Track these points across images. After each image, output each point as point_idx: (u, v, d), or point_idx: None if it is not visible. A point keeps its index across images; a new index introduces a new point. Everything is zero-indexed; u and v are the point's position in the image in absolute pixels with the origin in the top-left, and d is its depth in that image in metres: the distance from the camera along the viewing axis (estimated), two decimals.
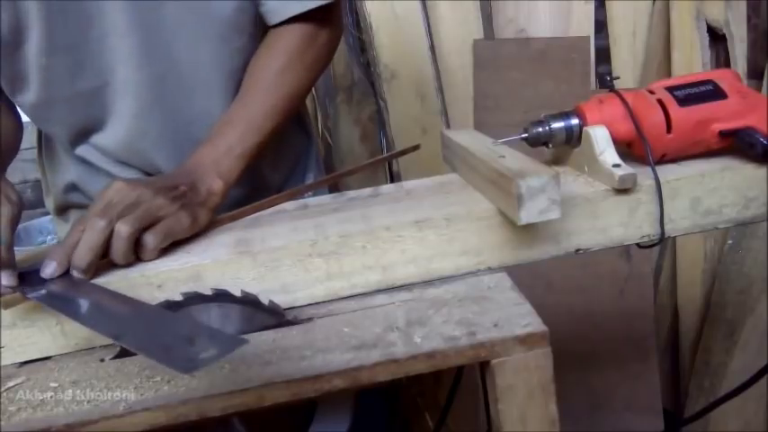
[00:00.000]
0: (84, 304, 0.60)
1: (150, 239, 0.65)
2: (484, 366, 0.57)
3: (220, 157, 0.77)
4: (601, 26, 1.69)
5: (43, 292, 0.61)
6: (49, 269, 0.62)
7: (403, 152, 0.95)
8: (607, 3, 1.69)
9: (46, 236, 2.02)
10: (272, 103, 0.82)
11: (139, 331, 0.56)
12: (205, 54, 0.86)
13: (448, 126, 1.71)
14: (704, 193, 0.70)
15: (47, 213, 2.03)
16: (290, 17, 0.84)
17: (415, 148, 0.93)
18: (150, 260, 0.66)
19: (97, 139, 0.89)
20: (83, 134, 0.89)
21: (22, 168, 2.18)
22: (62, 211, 1.01)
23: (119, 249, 0.64)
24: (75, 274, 0.62)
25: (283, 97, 0.84)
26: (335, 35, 0.91)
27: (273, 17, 0.85)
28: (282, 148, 1.00)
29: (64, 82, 0.83)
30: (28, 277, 0.63)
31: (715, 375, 1.55)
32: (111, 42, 0.82)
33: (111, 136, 0.88)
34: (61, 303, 0.60)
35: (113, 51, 0.82)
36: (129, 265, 0.65)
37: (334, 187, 1.52)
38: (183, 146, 0.87)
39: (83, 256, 0.62)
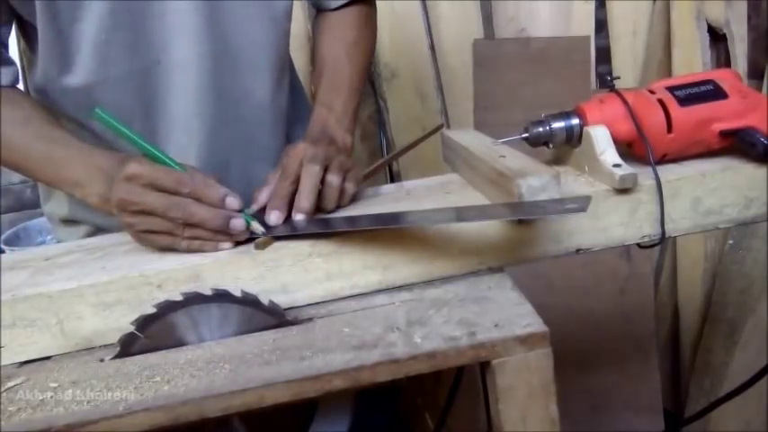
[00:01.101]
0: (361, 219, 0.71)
1: (350, 186, 0.75)
2: (484, 366, 0.57)
3: (340, 116, 0.87)
4: (601, 26, 1.69)
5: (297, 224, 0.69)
6: (274, 216, 0.69)
7: (430, 134, 0.98)
8: (607, 2, 1.69)
9: (45, 236, 2.02)
10: (358, 68, 0.94)
11: (465, 210, 0.68)
12: (257, 34, 0.88)
13: (448, 126, 1.71)
14: (705, 193, 0.70)
15: None
16: (349, 1, 0.96)
17: (440, 127, 0.99)
18: (346, 206, 0.75)
19: (150, 120, 0.87)
20: (129, 122, 0.86)
21: None
22: (69, 222, 0.98)
23: (332, 197, 0.73)
24: (299, 217, 0.70)
25: (364, 62, 0.95)
26: (376, 13, 1.04)
27: (334, 2, 0.96)
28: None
29: (119, 60, 0.82)
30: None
31: (715, 375, 1.55)
32: (170, 19, 0.82)
33: (165, 117, 0.87)
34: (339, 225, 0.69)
35: (171, 28, 0.82)
36: (331, 211, 0.74)
37: None
38: (227, 125, 0.89)
39: (307, 199, 0.70)
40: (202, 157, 0.89)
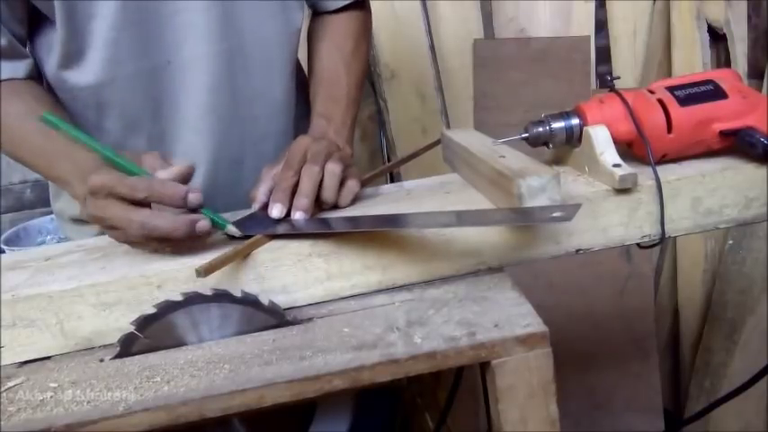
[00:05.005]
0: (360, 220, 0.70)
1: (353, 184, 0.75)
2: (484, 367, 0.57)
3: (339, 128, 0.88)
4: (601, 26, 1.69)
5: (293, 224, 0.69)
6: (277, 210, 0.70)
7: (431, 145, 0.96)
8: (607, 2, 1.69)
9: (45, 236, 2.02)
10: (355, 78, 0.95)
11: (460, 216, 0.66)
12: (271, 32, 0.89)
13: (448, 126, 1.71)
14: (705, 193, 0.70)
15: (46, 213, 2.03)
16: (349, 3, 0.97)
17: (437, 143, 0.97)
18: (346, 205, 0.75)
19: (158, 123, 0.87)
20: (139, 121, 0.87)
21: (23, 168, 2.17)
22: (79, 222, 0.97)
23: (332, 186, 0.72)
24: (297, 215, 0.69)
25: (361, 72, 0.97)
26: (371, 18, 1.05)
27: (333, 4, 0.97)
28: None
29: (129, 59, 0.82)
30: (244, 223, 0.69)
31: (715, 375, 1.55)
32: (182, 18, 0.82)
33: (175, 118, 0.87)
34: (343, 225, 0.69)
35: (182, 27, 0.82)
36: (333, 208, 0.74)
37: None
38: (240, 124, 0.89)
39: (306, 197, 0.70)
40: (214, 156, 0.89)
